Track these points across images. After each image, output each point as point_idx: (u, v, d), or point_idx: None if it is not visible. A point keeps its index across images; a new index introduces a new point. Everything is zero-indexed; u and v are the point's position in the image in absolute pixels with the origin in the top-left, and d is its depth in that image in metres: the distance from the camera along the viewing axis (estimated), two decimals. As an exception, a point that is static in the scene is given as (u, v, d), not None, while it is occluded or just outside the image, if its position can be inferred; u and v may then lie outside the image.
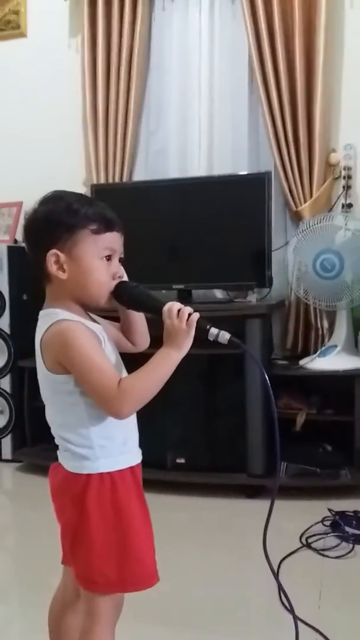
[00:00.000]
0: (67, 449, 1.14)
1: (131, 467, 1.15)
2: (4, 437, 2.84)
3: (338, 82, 2.76)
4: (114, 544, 1.11)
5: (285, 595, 1.41)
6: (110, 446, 1.12)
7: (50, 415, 1.17)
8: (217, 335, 1.10)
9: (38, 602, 1.34)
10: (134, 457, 1.17)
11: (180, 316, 1.09)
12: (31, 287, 2.61)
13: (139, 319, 1.23)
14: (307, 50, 2.67)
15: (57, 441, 1.17)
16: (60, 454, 1.16)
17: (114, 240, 1.12)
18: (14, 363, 2.79)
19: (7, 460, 2.85)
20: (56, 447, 1.18)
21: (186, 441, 2.52)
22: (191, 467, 2.48)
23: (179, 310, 1.09)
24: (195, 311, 1.10)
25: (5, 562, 2.07)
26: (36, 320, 1.15)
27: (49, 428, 1.20)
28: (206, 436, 2.54)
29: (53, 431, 1.17)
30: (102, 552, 1.11)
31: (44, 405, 1.19)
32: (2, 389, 2.85)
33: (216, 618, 1.63)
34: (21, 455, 2.80)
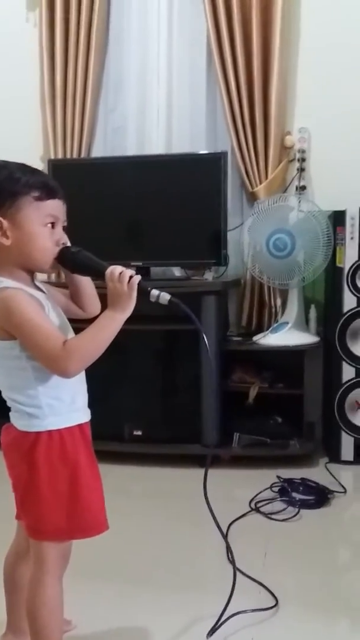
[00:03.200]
0: (17, 409, 1.17)
1: (79, 425, 1.20)
2: None
3: (294, 66, 2.81)
4: (63, 495, 1.16)
5: (230, 552, 1.48)
6: (59, 405, 1.16)
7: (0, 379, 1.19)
8: (158, 297, 1.14)
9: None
10: (82, 415, 1.21)
11: (121, 279, 1.11)
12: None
13: (86, 284, 1.26)
14: (264, 35, 2.71)
15: (8, 403, 1.20)
16: (11, 414, 1.20)
17: (56, 208, 1.15)
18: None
19: None
20: (6, 418, 1.21)
21: (143, 414, 2.57)
22: (147, 439, 2.53)
23: (120, 273, 1.12)
24: (136, 274, 1.13)
25: None
26: None
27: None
28: (162, 409, 2.60)
29: (3, 394, 1.20)
30: (51, 502, 1.15)
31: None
32: None
33: (167, 574, 1.70)
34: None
